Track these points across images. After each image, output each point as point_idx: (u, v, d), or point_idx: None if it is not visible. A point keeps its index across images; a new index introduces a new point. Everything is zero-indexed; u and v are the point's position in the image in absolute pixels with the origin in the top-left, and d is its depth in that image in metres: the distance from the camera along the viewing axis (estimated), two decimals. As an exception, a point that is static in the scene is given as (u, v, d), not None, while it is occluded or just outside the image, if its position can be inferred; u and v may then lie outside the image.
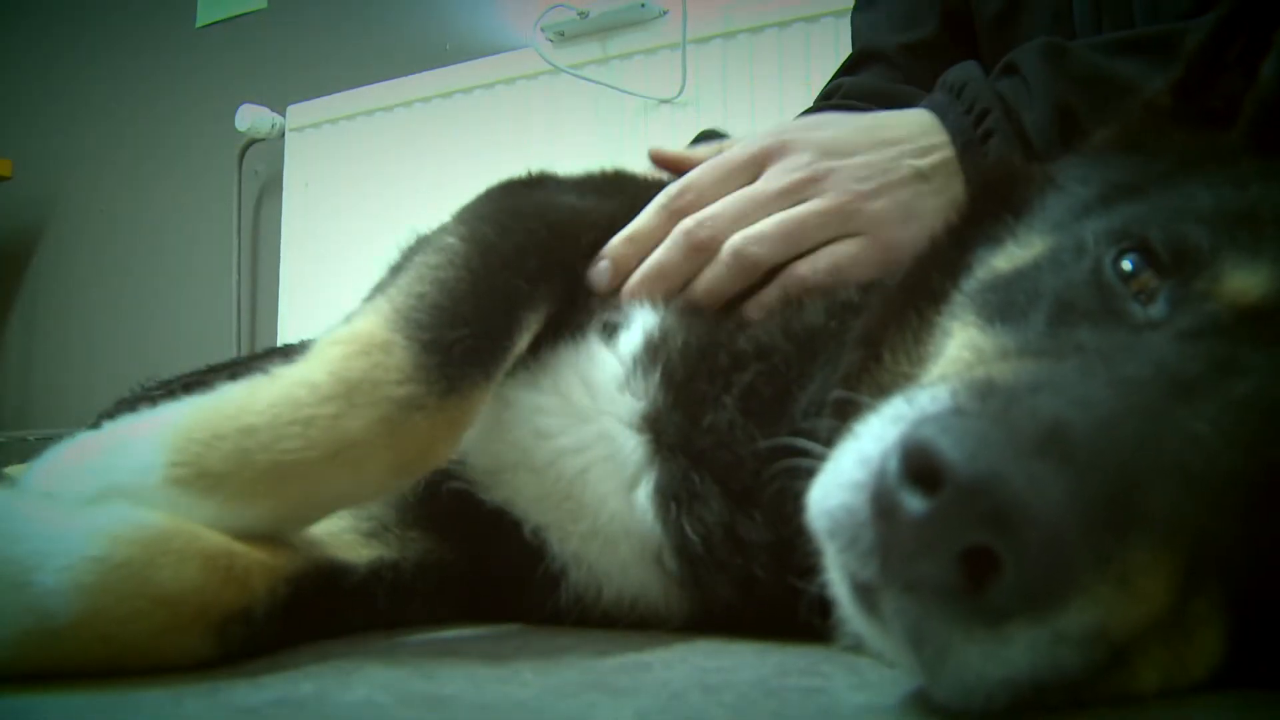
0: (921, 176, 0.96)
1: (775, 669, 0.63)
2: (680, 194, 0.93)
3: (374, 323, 0.72)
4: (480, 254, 0.80)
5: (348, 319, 0.75)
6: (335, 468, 0.65)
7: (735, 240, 0.88)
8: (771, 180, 0.93)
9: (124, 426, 0.65)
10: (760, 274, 0.88)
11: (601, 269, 0.87)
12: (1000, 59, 1.08)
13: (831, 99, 1.47)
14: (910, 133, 1.00)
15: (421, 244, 0.85)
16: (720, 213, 0.90)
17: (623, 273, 0.88)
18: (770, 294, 0.88)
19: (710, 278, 0.88)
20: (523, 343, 0.79)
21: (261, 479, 0.63)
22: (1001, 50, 1.12)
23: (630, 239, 0.89)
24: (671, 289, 0.88)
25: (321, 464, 0.65)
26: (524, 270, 0.80)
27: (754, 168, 0.95)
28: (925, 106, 1.03)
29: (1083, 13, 1.28)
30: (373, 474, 0.67)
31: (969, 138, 0.98)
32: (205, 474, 0.62)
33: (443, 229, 0.86)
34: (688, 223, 0.89)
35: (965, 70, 1.05)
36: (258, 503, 0.64)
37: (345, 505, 0.73)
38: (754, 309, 0.87)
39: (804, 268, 0.88)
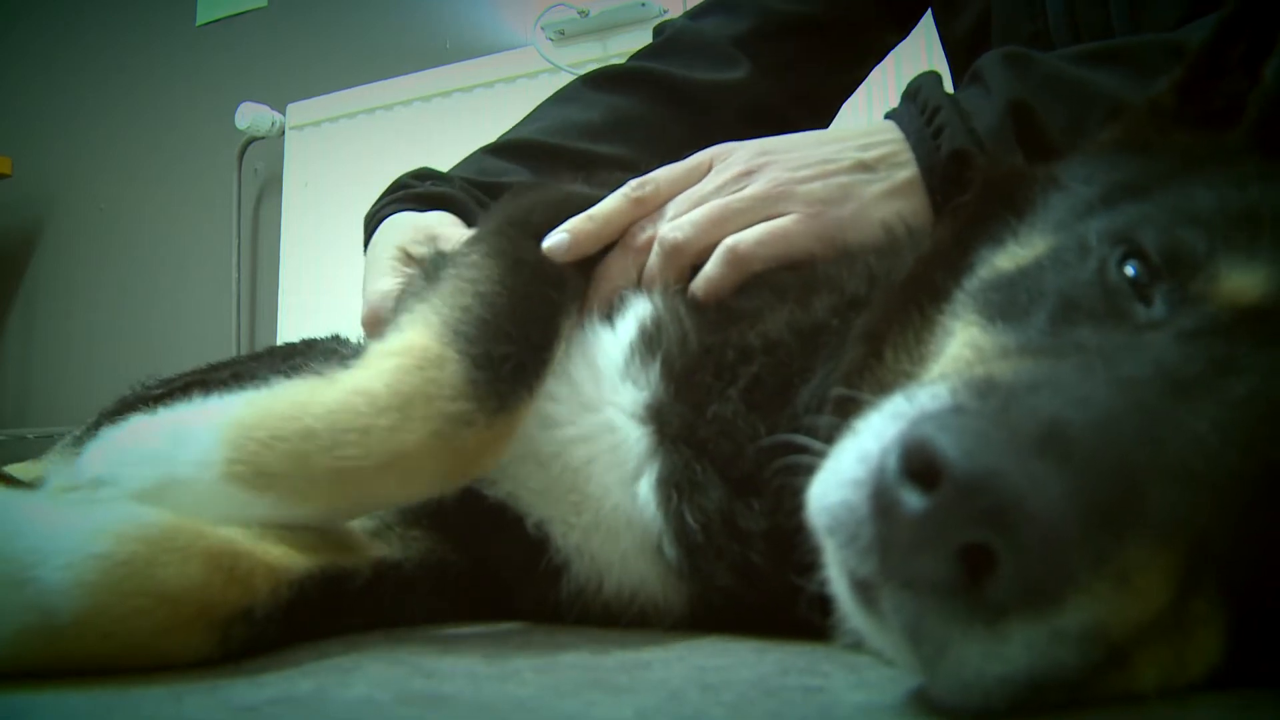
0: (863, 165, 0.98)
1: (774, 668, 0.63)
2: (640, 186, 0.97)
3: (426, 336, 0.75)
4: (512, 268, 0.84)
5: (398, 328, 0.78)
6: (388, 475, 0.68)
7: (661, 230, 0.92)
8: (711, 179, 0.98)
9: (181, 415, 0.67)
10: (687, 257, 0.91)
11: (560, 240, 0.89)
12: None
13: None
14: (859, 131, 1.03)
15: (452, 257, 0.88)
16: (662, 214, 0.95)
17: (578, 244, 0.90)
18: (710, 269, 0.90)
19: (648, 268, 0.92)
20: (561, 350, 0.82)
21: (318, 482, 0.66)
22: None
23: (590, 217, 0.92)
24: (628, 284, 0.91)
25: (376, 472, 0.68)
26: (551, 278, 0.84)
27: (702, 171, 1.00)
28: (885, 117, 1.06)
29: (1059, 31, 1.28)
30: (421, 482, 0.71)
31: (921, 134, 1.00)
32: (262, 473, 0.65)
33: (473, 238, 0.91)
34: (633, 228, 0.94)
35: (921, 76, 1.07)
36: (310, 503, 0.67)
37: (391, 506, 0.77)
38: (698, 285, 0.89)
39: (733, 239, 0.91)
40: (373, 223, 1.31)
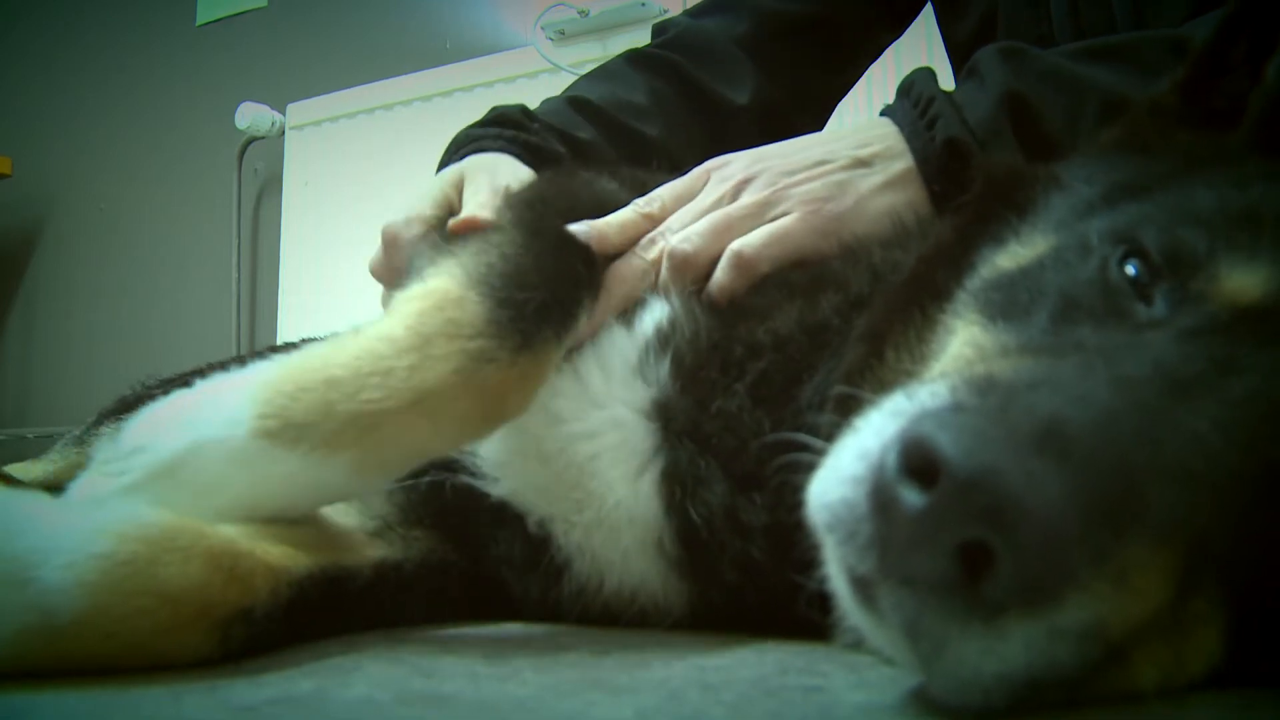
0: (860, 161, 0.99)
1: (774, 667, 0.63)
2: (649, 203, 0.99)
3: (448, 281, 0.76)
4: (536, 235, 0.85)
5: (421, 277, 0.78)
6: (413, 417, 0.68)
7: (671, 241, 0.93)
8: (710, 191, 0.99)
9: (214, 383, 0.68)
10: (697, 268, 0.92)
11: (584, 231, 0.90)
12: None
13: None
14: (854, 129, 1.04)
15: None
16: (667, 226, 0.96)
17: (600, 244, 0.91)
18: (719, 275, 0.91)
19: (660, 281, 0.93)
20: (583, 321, 0.82)
21: (344, 429, 0.66)
22: None
23: (608, 224, 0.94)
24: (634, 292, 0.91)
25: (400, 413, 0.67)
26: (576, 252, 0.85)
27: (702, 184, 1.01)
28: (881, 113, 1.06)
29: (1064, 34, 1.28)
30: (448, 425, 0.70)
31: (915, 126, 1.01)
32: (291, 425, 0.65)
33: (503, 208, 0.94)
34: (643, 240, 0.95)
35: (915, 72, 1.08)
36: (340, 453, 0.66)
37: (424, 456, 0.75)
38: (713, 289, 0.90)
39: (738, 244, 0.92)
40: (465, 147, 1.29)
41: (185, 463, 0.64)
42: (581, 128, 1.37)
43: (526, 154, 1.26)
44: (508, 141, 1.27)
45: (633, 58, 1.51)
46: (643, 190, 1.00)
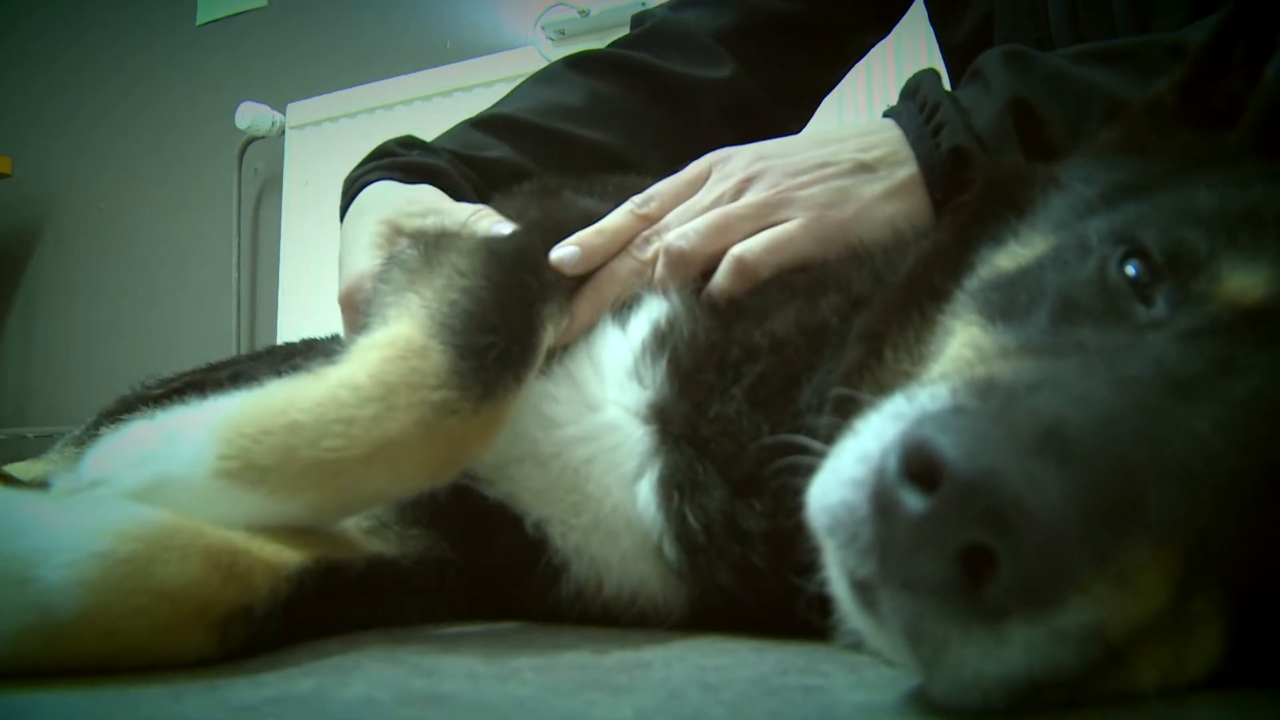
0: (864, 166, 0.98)
1: (774, 667, 0.63)
2: (645, 201, 0.98)
3: (411, 327, 0.75)
4: (495, 259, 0.84)
5: (384, 319, 0.78)
6: (374, 466, 0.68)
7: (667, 239, 0.92)
8: (710, 189, 0.98)
9: (176, 417, 0.68)
10: (693, 266, 0.91)
11: (571, 252, 0.89)
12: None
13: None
14: (858, 130, 1.03)
15: (452, 241, 0.89)
16: (665, 225, 0.96)
17: (589, 258, 0.90)
18: (719, 279, 0.90)
19: (656, 279, 0.92)
20: (549, 338, 0.82)
21: (305, 474, 0.66)
22: None
23: (599, 231, 0.93)
24: (627, 292, 0.91)
25: (362, 462, 0.68)
26: (535, 269, 0.84)
27: (702, 181, 1.00)
28: (885, 114, 1.05)
29: (1061, 38, 1.27)
30: (410, 472, 0.71)
31: (920, 131, 1.00)
32: (251, 467, 0.65)
33: (473, 235, 0.92)
34: (638, 239, 0.94)
35: (920, 74, 1.07)
36: (300, 496, 0.67)
37: (382, 500, 0.76)
38: (712, 293, 0.90)
39: (739, 248, 0.91)
40: (353, 187, 1.29)
41: (146, 499, 0.63)
42: (491, 147, 1.34)
43: (408, 176, 1.25)
44: (385, 170, 1.28)
45: (574, 61, 1.48)
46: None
